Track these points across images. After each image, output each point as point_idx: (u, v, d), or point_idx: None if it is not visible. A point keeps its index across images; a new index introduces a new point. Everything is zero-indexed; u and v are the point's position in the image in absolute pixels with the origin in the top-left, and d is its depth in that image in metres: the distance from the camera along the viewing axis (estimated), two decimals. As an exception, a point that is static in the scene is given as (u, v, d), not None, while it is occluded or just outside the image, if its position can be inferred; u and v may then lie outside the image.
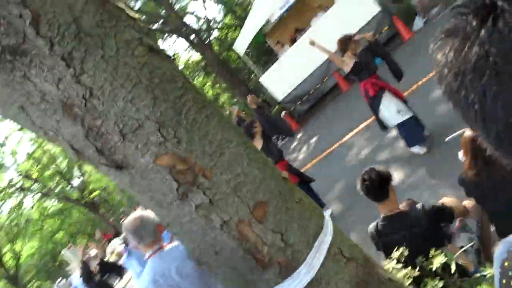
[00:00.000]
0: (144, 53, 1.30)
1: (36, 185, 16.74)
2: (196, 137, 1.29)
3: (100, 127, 1.27)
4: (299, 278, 1.32)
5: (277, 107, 11.59)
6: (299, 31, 11.11)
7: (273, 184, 1.39)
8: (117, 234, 11.59)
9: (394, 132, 5.09)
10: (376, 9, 9.25)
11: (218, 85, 19.68)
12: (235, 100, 15.97)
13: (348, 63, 4.43)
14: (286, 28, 11.94)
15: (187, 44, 16.16)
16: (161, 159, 1.27)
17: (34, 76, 1.23)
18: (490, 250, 2.34)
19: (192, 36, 14.99)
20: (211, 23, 18.29)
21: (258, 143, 4.77)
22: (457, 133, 2.28)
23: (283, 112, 10.68)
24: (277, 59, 10.89)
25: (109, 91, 1.23)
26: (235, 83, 14.23)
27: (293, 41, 11.05)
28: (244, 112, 11.03)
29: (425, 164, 4.31)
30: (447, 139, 2.40)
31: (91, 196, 17.27)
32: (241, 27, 13.48)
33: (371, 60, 4.65)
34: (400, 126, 4.57)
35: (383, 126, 4.69)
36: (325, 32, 9.62)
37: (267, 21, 10.72)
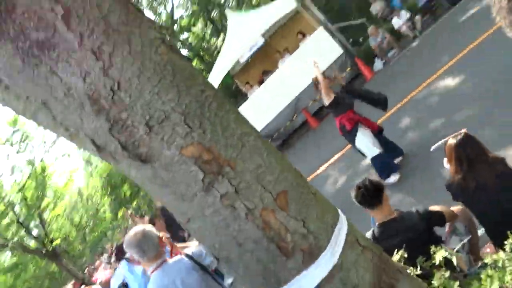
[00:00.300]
0: (166, 51, 1.36)
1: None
2: (219, 129, 1.34)
3: (126, 120, 1.30)
4: (322, 264, 1.35)
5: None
6: (266, 72, 11.56)
7: (291, 175, 1.44)
8: (82, 283, 10.90)
9: (368, 160, 5.31)
10: (339, 51, 9.86)
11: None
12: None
13: (330, 95, 4.67)
14: (254, 70, 12.38)
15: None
16: (187, 150, 1.30)
17: (60, 70, 1.26)
18: (479, 252, 2.45)
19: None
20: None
21: None
22: (440, 142, 2.44)
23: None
24: (247, 98, 11.20)
25: (136, 84, 1.28)
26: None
27: (261, 82, 11.46)
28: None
29: (401, 186, 4.50)
30: (432, 148, 2.56)
31: (53, 244, 16.18)
32: (208, 71, 13.84)
33: (347, 96, 4.93)
34: (373, 159, 4.80)
35: (362, 154, 4.92)
36: (292, 73, 10.15)
37: (237, 62, 11.08)
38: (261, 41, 10.43)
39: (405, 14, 9.72)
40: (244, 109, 10.76)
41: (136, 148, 1.33)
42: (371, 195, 2.29)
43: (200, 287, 2.06)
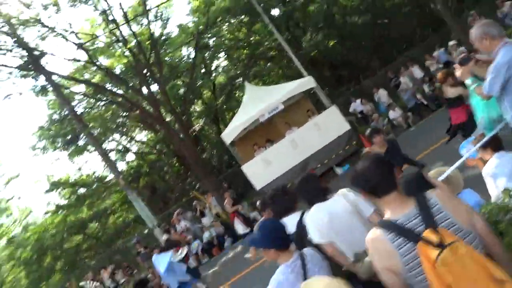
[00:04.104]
0: None
1: None
2: None
3: None
4: None
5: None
6: (270, 141, 12.61)
7: None
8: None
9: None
10: (347, 127, 11.53)
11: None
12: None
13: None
14: (257, 138, 13.32)
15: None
16: None
17: None
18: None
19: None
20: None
21: None
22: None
23: (258, 202, 11.14)
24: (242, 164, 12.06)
25: None
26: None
27: (264, 148, 12.42)
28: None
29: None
30: None
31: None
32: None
33: None
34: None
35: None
36: (302, 141, 11.39)
37: (256, 121, 12.03)
38: (281, 106, 11.72)
39: (398, 110, 12.02)
40: (254, 163, 11.50)
41: None
42: None
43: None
